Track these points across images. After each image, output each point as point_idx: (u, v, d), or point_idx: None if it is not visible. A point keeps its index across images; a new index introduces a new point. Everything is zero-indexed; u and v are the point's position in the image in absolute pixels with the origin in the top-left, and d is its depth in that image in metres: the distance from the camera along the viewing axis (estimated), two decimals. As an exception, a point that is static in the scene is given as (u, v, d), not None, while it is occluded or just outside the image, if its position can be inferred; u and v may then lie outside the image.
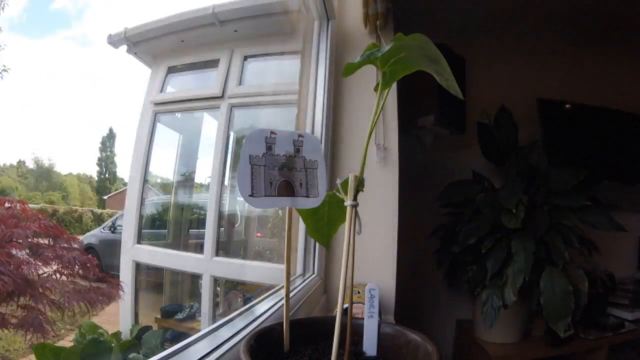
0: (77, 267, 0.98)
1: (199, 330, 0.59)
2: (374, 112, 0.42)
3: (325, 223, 0.50)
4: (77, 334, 1.17)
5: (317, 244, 1.23)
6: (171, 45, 2.04)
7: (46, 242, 0.96)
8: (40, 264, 0.91)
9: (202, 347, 0.52)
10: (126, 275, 1.82)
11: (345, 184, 0.42)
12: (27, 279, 0.86)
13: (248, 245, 2.33)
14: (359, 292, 0.94)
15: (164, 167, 2.33)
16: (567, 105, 2.21)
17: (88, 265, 1.02)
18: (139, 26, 1.85)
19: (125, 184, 1.80)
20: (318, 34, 1.39)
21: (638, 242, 2.24)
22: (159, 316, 1.94)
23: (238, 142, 2.09)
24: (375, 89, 0.42)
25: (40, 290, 0.88)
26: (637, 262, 2.24)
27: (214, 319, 1.94)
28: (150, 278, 2.06)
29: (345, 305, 0.41)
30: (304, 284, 1.06)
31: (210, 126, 2.22)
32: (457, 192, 1.80)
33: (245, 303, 1.62)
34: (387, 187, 1.30)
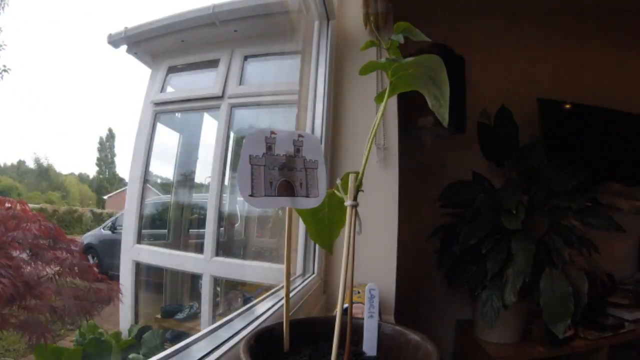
0: (76, 270, 0.98)
1: (199, 330, 0.59)
2: (377, 118, 0.42)
3: (326, 226, 0.50)
4: (77, 334, 1.17)
5: (317, 245, 1.22)
6: (171, 45, 2.04)
7: (46, 243, 0.96)
8: (39, 266, 0.91)
9: (202, 347, 0.52)
10: (126, 275, 1.82)
11: (344, 182, 0.42)
12: (27, 281, 0.86)
13: (248, 245, 2.33)
14: (359, 292, 0.94)
15: (164, 167, 2.33)
16: (567, 105, 2.21)
17: (87, 270, 1.02)
18: (139, 26, 1.85)
19: (125, 184, 1.80)
20: (318, 34, 1.39)
21: (638, 242, 2.24)
22: (159, 316, 1.94)
23: (238, 142, 2.09)
24: (376, 100, 0.43)
25: (41, 291, 0.88)
26: (637, 262, 2.24)
27: (213, 319, 1.94)
28: (150, 278, 2.06)
29: (345, 305, 0.41)
30: (304, 284, 1.06)
31: (210, 126, 2.22)
32: (457, 192, 1.80)
33: (245, 303, 1.62)
34: (387, 187, 1.30)
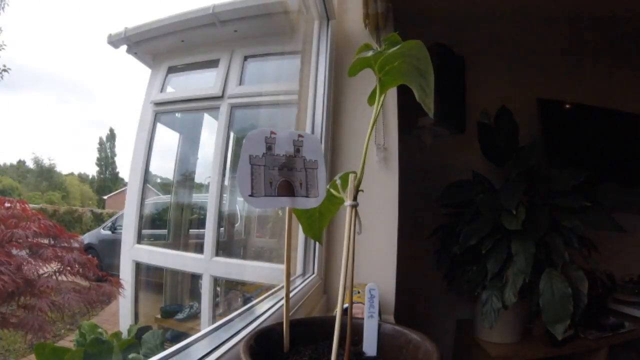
0: (77, 266, 0.98)
1: (199, 330, 0.59)
2: (373, 116, 0.42)
3: (316, 218, 0.50)
4: (77, 334, 1.17)
5: (317, 245, 1.23)
6: (171, 45, 2.04)
7: (46, 241, 0.97)
8: (40, 263, 0.91)
9: (202, 347, 0.52)
10: (126, 275, 1.82)
11: (344, 182, 0.42)
12: (28, 278, 0.86)
13: (248, 245, 2.33)
14: (359, 292, 0.94)
15: (164, 167, 2.33)
16: (567, 105, 2.21)
17: (88, 265, 1.02)
18: (139, 26, 1.85)
19: (125, 184, 1.80)
20: (318, 34, 1.39)
21: (639, 242, 2.24)
22: (159, 316, 1.94)
23: (238, 142, 2.09)
24: (368, 102, 0.43)
25: (41, 289, 0.88)
26: (637, 262, 2.24)
27: (213, 319, 1.94)
28: (150, 278, 2.06)
29: (345, 305, 0.41)
30: (304, 284, 1.06)
31: (210, 126, 2.22)
32: (457, 192, 1.80)
33: (245, 303, 1.62)
34: (387, 187, 1.30)
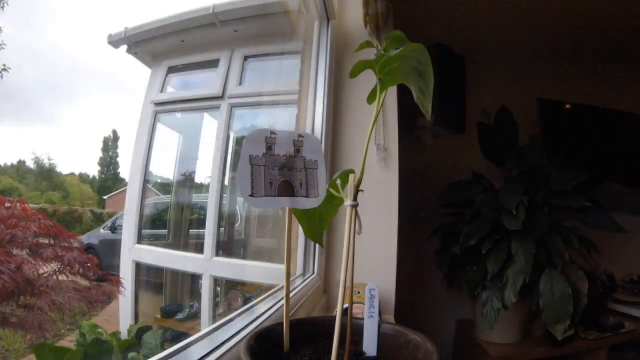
0: (77, 266, 0.98)
1: (199, 330, 0.59)
2: (373, 116, 0.42)
3: (317, 220, 0.50)
4: (77, 334, 1.17)
5: (317, 245, 1.22)
6: (171, 45, 2.04)
7: (46, 241, 0.96)
8: (40, 263, 0.91)
9: (202, 347, 0.52)
10: (126, 275, 1.82)
11: (343, 181, 0.42)
12: (28, 278, 0.86)
13: (248, 245, 2.33)
14: (359, 292, 0.94)
15: (164, 167, 2.33)
16: (567, 105, 2.21)
17: (88, 264, 1.02)
18: (139, 26, 1.85)
19: (125, 184, 1.80)
20: (318, 34, 1.39)
21: (639, 242, 2.24)
22: (159, 316, 1.94)
23: (238, 142, 2.09)
24: (368, 100, 0.43)
25: (41, 288, 0.88)
26: (637, 262, 2.24)
27: (213, 319, 1.94)
28: (150, 278, 2.05)
29: (345, 305, 0.41)
30: (304, 284, 1.06)
31: (210, 126, 2.22)
32: (457, 192, 1.80)
33: (245, 303, 1.61)
34: (387, 187, 1.30)
